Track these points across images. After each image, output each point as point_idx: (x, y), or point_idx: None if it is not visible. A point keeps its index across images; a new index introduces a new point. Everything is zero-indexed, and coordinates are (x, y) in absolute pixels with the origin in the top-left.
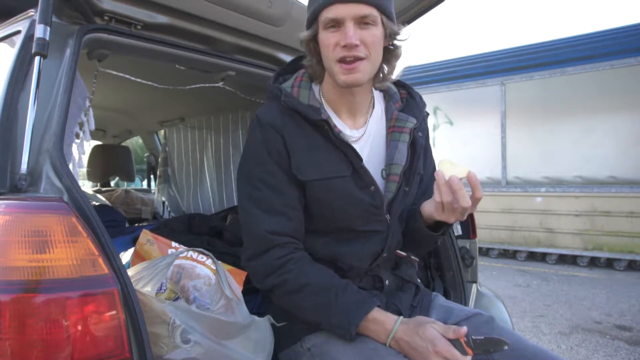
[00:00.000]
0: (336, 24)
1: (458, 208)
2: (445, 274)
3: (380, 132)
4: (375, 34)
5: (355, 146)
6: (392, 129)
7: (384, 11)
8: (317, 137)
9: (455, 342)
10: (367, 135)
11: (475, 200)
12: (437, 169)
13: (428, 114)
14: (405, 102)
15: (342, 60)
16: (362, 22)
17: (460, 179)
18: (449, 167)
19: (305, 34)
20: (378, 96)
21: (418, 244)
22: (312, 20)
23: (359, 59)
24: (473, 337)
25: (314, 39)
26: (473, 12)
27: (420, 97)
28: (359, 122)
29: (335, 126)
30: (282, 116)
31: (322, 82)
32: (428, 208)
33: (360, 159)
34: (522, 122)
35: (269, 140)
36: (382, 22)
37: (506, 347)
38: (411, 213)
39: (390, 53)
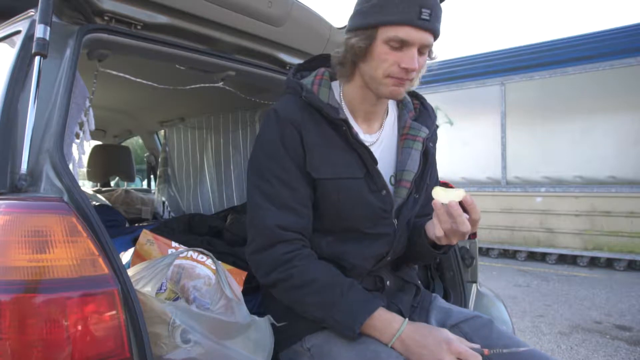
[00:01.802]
0: (402, 44)
1: (458, 232)
2: (445, 274)
3: (392, 139)
4: (426, 60)
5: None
6: (405, 137)
7: (436, 40)
8: (334, 137)
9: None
10: (380, 141)
11: (473, 221)
12: (432, 198)
13: (438, 127)
14: (419, 112)
15: (395, 77)
16: (422, 49)
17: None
18: (443, 194)
19: (358, 39)
20: (392, 104)
21: (419, 257)
22: (371, 27)
23: (408, 80)
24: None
25: (365, 45)
26: (473, 12)
27: (433, 109)
28: (373, 127)
29: (352, 127)
30: (301, 112)
31: (346, 83)
32: (431, 233)
33: (376, 162)
34: (522, 122)
35: (286, 135)
36: (430, 49)
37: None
38: (415, 228)
39: None
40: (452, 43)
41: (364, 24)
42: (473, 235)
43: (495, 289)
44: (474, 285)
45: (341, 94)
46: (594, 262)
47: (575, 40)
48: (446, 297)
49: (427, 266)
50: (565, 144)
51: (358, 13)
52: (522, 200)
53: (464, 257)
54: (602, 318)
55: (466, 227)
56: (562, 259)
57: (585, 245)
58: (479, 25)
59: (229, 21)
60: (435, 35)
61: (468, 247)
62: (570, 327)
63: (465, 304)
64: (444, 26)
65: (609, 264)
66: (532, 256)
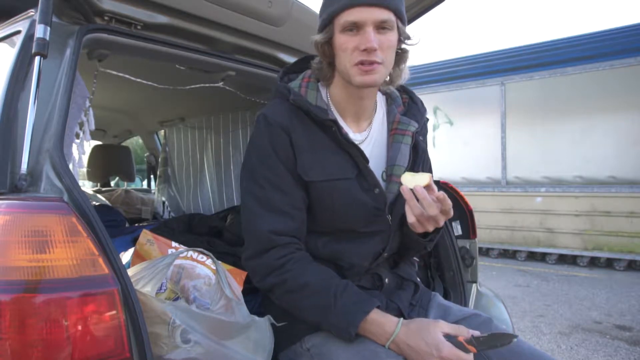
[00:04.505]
0: (355, 27)
1: (430, 217)
2: (445, 274)
3: (382, 135)
4: (391, 39)
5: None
6: (395, 131)
7: (399, 16)
8: (323, 138)
9: (456, 343)
10: (369, 139)
11: (444, 209)
12: (401, 184)
13: (428, 119)
14: (407, 106)
15: (360, 64)
16: (381, 26)
17: (424, 187)
18: (410, 179)
19: (319, 37)
20: (380, 99)
21: (410, 248)
22: (328, 22)
23: (376, 63)
24: (474, 335)
25: (327, 42)
26: (473, 12)
27: (422, 103)
28: (363, 125)
29: (342, 127)
30: (290, 115)
31: (330, 85)
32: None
33: (367, 160)
34: (522, 122)
35: (276, 139)
36: (398, 27)
37: (515, 340)
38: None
39: (398, 56)
40: (452, 43)
41: (322, 22)
42: (473, 235)
43: (495, 289)
44: (474, 285)
45: (328, 95)
46: (594, 262)
47: (575, 40)
48: (446, 297)
49: (427, 266)
50: (565, 144)
51: (319, 18)
52: (522, 200)
53: (464, 257)
54: (602, 318)
55: (433, 210)
56: (562, 259)
57: (585, 245)
58: (479, 25)
59: (229, 21)
60: (391, 8)
61: (468, 247)
62: (570, 327)
63: (465, 304)
64: (446, 26)
65: (609, 264)
66: (532, 256)
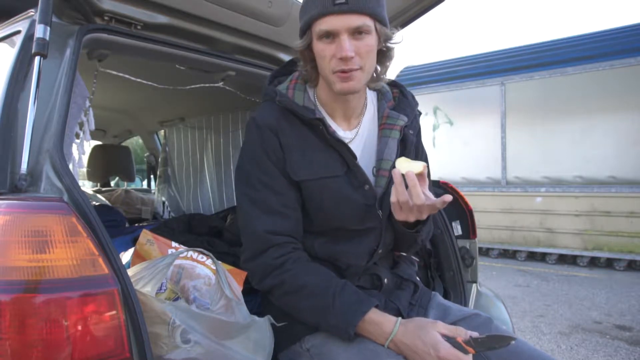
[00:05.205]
0: (330, 35)
1: (414, 207)
2: (445, 274)
3: (373, 131)
4: (369, 43)
5: (350, 146)
6: (383, 126)
7: (377, 18)
8: (311, 137)
9: (454, 344)
10: (359, 136)
11: (431, 205)
12: (395, 167)
13: (420, 113)
14: (398, 100)
15: (339, 71)
16: (357, 32)
17: (417, 174)
18: (405, 164)
19: (299, 43)
20: (371, 96)
21: (401, 242)
22: (305, 29)
23: (354, 70)
24: (473, 336)
25: (308, 47)
26: (473, 12)
27: (413, 96)
28: (353, 123)
29: (329, 126)
30: (278, 117)
31: (316, 86)
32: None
33: (355, 157)
34: (522, 122)
35: (265, 141)
36: (376, 29)
37: (513, 342)
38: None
39: (383, 54)
40: (452, 43)
41: (301, 28)
42: (473, 235)
43: (495, 289)
44: (474, 285)
45: (315, 96)
46: (594, 262)
47: (575, 40)
48: (446, 296)
49: (427, 266)
50: (565, 144)
51: (299, 22)
52: (522, 200)
53: (464, 257)
54: (602, 318)
55: (419, 199)
56: (562, 259)
57: (585, 245)
58: (479, 25)
59: (229, 21)
60: (365, 13)
61: (468, 247)
62: (570, 327)
63: (465, 304)
64: (446, 26)
65: (609, 264)
66: (532, 256)
